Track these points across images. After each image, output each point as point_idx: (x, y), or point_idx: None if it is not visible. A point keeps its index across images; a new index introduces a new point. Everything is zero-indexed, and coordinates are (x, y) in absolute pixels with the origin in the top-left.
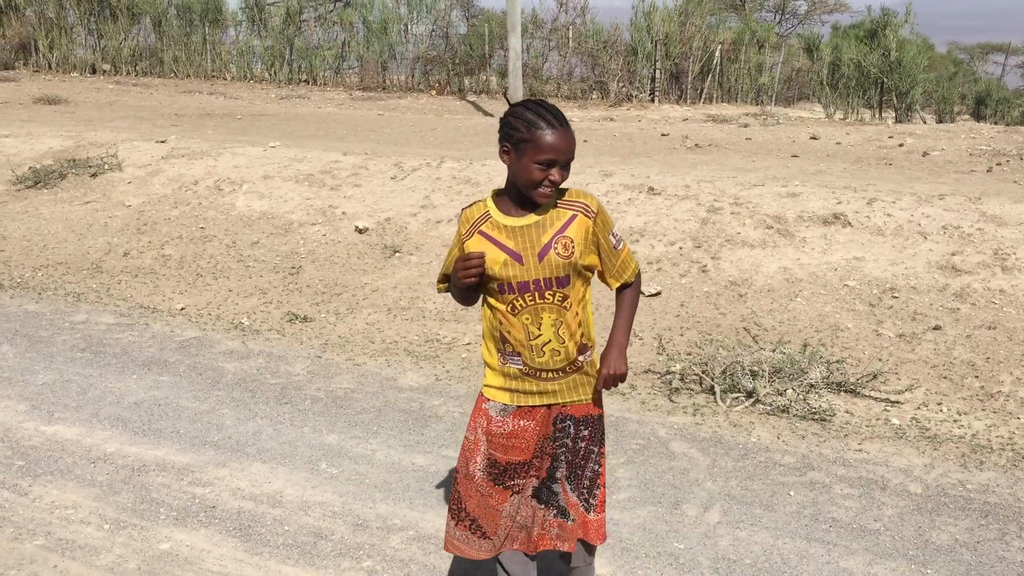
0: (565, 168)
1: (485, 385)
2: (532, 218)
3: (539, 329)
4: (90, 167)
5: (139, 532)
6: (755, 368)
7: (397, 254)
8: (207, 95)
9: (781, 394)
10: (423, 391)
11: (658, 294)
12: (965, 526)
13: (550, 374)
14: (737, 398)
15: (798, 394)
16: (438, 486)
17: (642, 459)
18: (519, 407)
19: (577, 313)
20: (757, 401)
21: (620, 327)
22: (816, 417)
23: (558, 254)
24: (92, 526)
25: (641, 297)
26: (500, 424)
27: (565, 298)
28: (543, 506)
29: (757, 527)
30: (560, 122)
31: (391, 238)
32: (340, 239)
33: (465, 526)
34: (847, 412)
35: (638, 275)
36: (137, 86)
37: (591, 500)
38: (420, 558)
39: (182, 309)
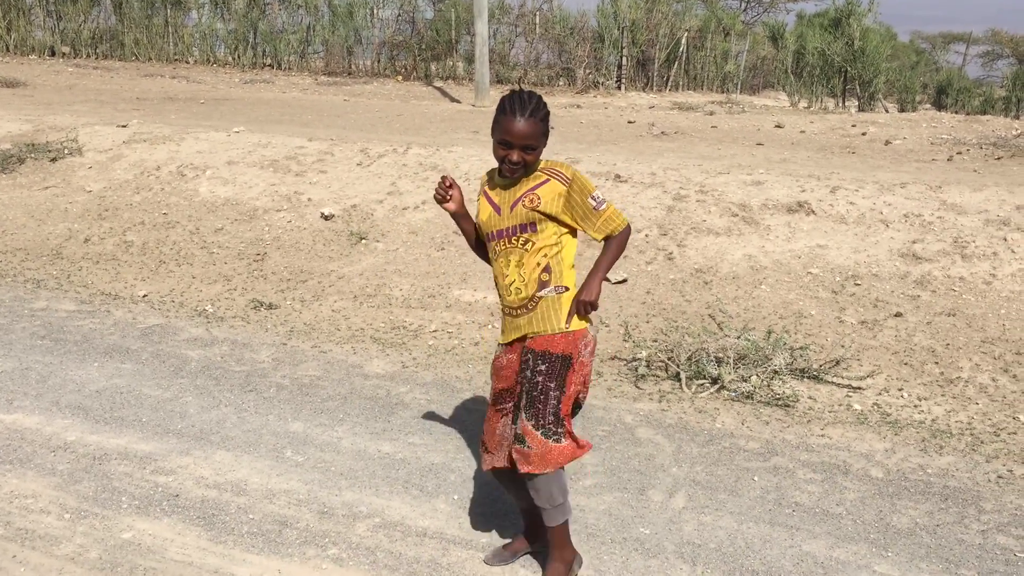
0: (526, 151)
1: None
2: (514, 181)
3: (507, 270)
4: (50, 151)
5: (100, 521)
6: (720, 355)
7: (363, 241)
8: (169, 79)
9: (745, 380)
10: (389, 378)
11: (624, 281)
12: (925, 510)
13: (518, 311)
14: (702, 384)
15: (762, 380)
16: (405, 473)
17: (608, 445)
18: (507, 344)
19: (544, 255)
20: (722, 387)
21: (598, 263)
22: (780, 403)
23: (524, 206)
24: (52, 515)
25: (607, 285)
26: (499, 359)
27: (528, 241)
28: (511, 431)
29: (722, 512)
30: (520, 111)
31: (357, 225)
32: (305, 226)
33: (483, 444)
34: (810, 398)
35: (627, 227)
36: (97, 69)
37: (558, 429)
38: (386, 545)
39: (144, 296)
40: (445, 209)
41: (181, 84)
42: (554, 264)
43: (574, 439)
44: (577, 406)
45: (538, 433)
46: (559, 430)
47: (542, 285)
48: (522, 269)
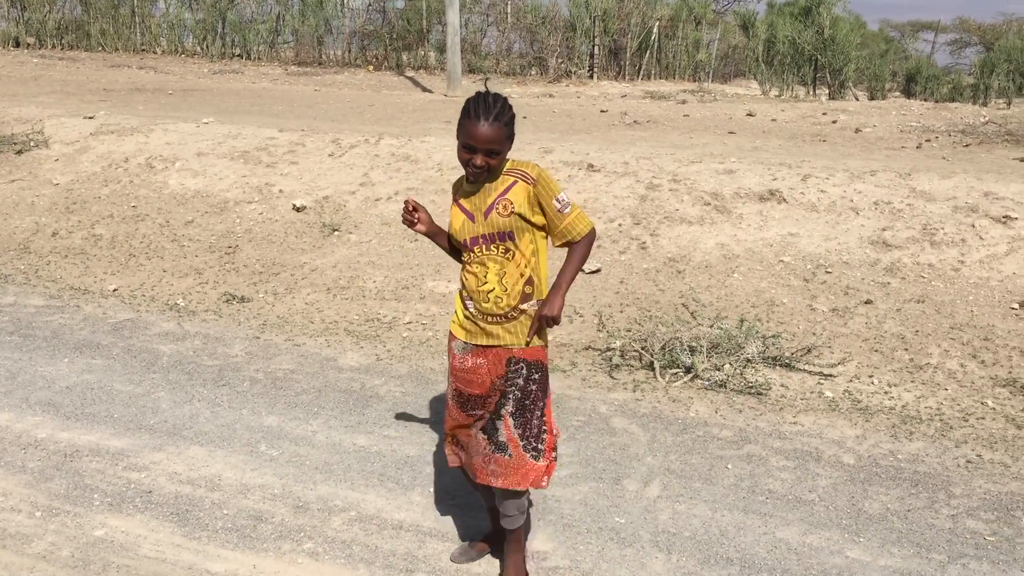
0: (489, 156)
1: (452, 322)
2: (483, 185)
3: (485, 278)
4: (15, 144)
5: (72, 519)
6: (693, 344)
7: (336, 232)
8: (136, 69)
9: (719, 369)
10: (364, 371)
11: (598, 271)
12: (896, 495)
13: (494, 318)
14: (676, 374)
15: (735, 369)
16: (380, 466)
17: (583, 435)
18: (475, 346)
19: (525, 265)
20: (695, 376)
21: (561, 276)
22: (752, 391)
23: (498, 213)
24: (23, 513)
25: (581, 275)
26: (461, 360)
27: (508, 251)
28: (486, 438)
29: (696, 500)
30: (483, 116)
31: (329, 216)
32: (277, 217)
33: (450, 440)
34: (782, 386)
35: (591, 231)
36: (63, 60)
37: (539, 446)
38: (362, 539)
39: (114, 290)
40: (416, 232)
41: (149, 75)
42: (535, 276)
43: (549, 458)
44: None
45: (521, 444)
46: (540, 446)
47: (525, 298)
48: (504, 279)
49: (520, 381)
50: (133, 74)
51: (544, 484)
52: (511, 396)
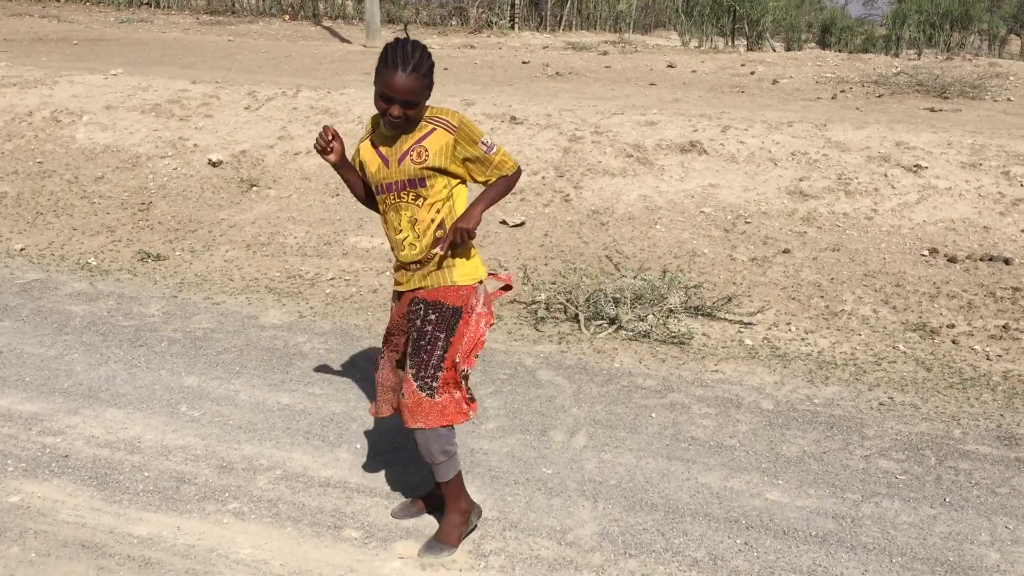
0: (407, 107)
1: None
2: (399, 133)
3: (400, 225)
4: None
5: None
6: (617, 295)
7: (254, 188)
8: (38, 18)
9: (642, 320)
10: (286, 328)
11: (522, 224)
12: (813, 438)
13: (413, 266)
14: (601, 325)
15: (658, 319)
16: (306, 424)
17: (509, 388)
18: (400, 293)
19: (438, 211)
20: (620, 327)
21: (483, 194)
22: (675, 341)
23: (412, 160)
24: None
25: (505, 228)
26: (394, 309)
27: (419, 197)
28: (403, 372)
29: (621, 449)
30: (400, 65)
31: (247, 171)
32: (193, 173)
33: (379, 390)
34: (704, 335)
35: (518, 169)
36: None
37: (432, 383)
38: (288, 497)
39: (21, 250)
40: (326, 160)
41: (51, 24)
42: (448, 220)
43: (458, 400)
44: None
45: (415, 384)
46: (434, 384)
47: (436, 242)
48: (416, 226)
49: (418, 322)
50: (35, 23)
51: (447, 421)
52: (412, 338)
